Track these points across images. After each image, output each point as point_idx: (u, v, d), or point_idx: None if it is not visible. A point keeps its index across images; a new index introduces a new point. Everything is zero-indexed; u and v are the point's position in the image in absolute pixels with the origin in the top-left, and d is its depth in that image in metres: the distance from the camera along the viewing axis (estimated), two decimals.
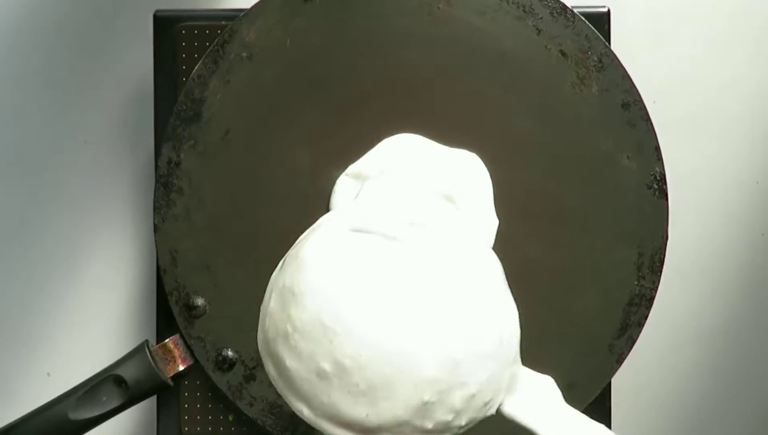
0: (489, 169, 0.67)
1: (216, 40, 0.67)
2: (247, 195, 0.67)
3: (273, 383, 0.54)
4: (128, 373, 0.65)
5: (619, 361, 0.66)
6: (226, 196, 0.67)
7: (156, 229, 0.67)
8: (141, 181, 0.73)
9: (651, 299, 0.66)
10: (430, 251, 0.52)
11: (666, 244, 0.66)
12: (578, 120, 0.67)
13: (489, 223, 0.65)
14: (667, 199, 0.66)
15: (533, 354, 0.66)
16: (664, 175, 0.66)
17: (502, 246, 0.67)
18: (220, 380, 0.67)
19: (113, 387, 0.65)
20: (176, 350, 0.67)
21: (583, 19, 0.67)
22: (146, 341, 0.67)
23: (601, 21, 0.68)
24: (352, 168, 0.66)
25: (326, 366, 0.50)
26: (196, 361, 0.67)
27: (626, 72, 0.67)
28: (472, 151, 0.67)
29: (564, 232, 0.67)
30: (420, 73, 0.67)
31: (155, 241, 0.67)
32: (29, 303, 0.74)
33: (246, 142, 0.67)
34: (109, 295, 0.74)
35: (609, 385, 0.67)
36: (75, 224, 0.74)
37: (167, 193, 0.67)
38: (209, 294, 0.67)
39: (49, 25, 0.74)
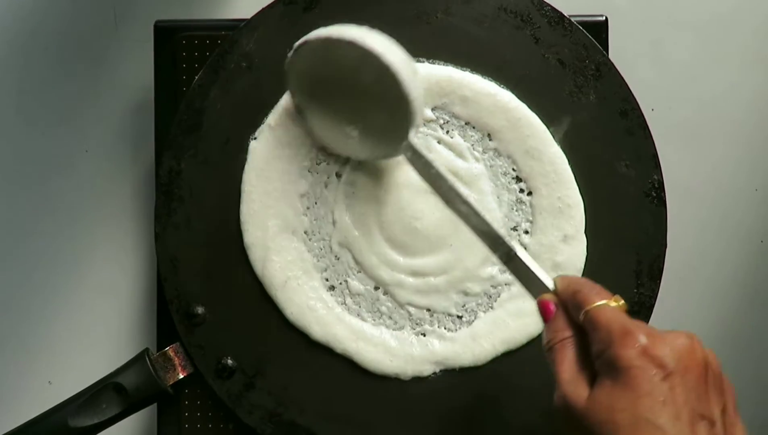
0: None
1: (216, 50, 0.67)
2: None
3: None
4: (128, 380, 0.65)
5: None
6: (226, 205, 0.67)
7: (157, 237, 0.67)
8: (142, 189, 0.73)
9: (650, 307, 0.66)
10: None
11: (665, 251, 0.66)
12: (576, 128, 0.67)
13: None
14: (665, 207, 0.67)
15: (533, 362, 0.66)
16: (663, 182, 0.67)
17: None
18: (220, 388, 0.67)
19: (113, 395, 0.65)
20: (176, 358, 0.67)
21: (581, 28, 0.67)
22: (146, 349, 0.67)
23: (599, 30, 0.69)
24: None
25: None
26: (196, 369, 0.67)
27: (624, 80, 0.67)
28: None
29: None
30: None
31: (156, 249, 0.67)
32: (30, 311, 0.74)
33: (245, 151, 0.67)
34: (109, 303, 0.74)
35: None
36: (76, 233, 0.74)
37: (168, 202, 0.67)
38: (209, 302, 0.67)
39: (50, 36, 0.74)
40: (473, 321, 0.67)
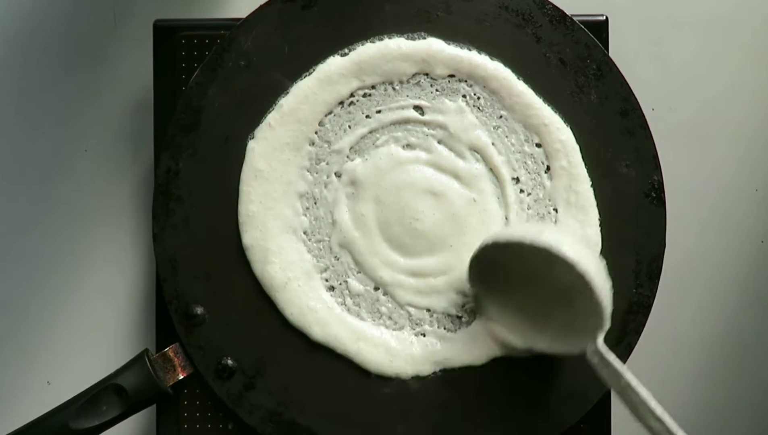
0: None
1: (214, 49, 0.67)
2: None
3: None
4: (128, 382, 0.65)
5: None
6: (225, 205, 0.67)
7: (155, 237, 0.67)
8: (141, 189, 0.73)
9: (648, 307, 0.66)
10: None
11: (664, 251, 0.66)
12: (577, 128, 0.67)
13: None
14: (665, 207, 0.66)
15: (533, 361, 0.66)
16: (662, 182, 0.66)
17: None
18: (220, 389, 0.67)
19: (113, 396, 0.65)
20: (176, 359, 0.67)
21: (582, 27, 0.67)
22: (146, 350, 0.67)
23: (599, 29, 0.68)
24: None
25: None
26: (195, 369, 0.67)
27: (625, 80, 0.67)
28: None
29: None
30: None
31: (154, 249, 0.67)
32: (29, 312, 0.74)
33: (244, 150, 0.67)
34: (109, 304, 0.74)
35: (608, 392, 0.67)
36: (75, 233, 0.74)
37: (166, 202, 0.67)
38: (209, 302, 0.67)
39: (50, 35, 0.74)
40: (472, 321, 0.67)
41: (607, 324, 0.59)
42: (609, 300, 0.59)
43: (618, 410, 0.69)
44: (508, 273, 0.63)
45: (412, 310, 0.67)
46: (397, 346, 0.66)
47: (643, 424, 0.57)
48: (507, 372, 0.66)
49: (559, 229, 0.65)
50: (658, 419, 0.56)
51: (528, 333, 0.64)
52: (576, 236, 0.64)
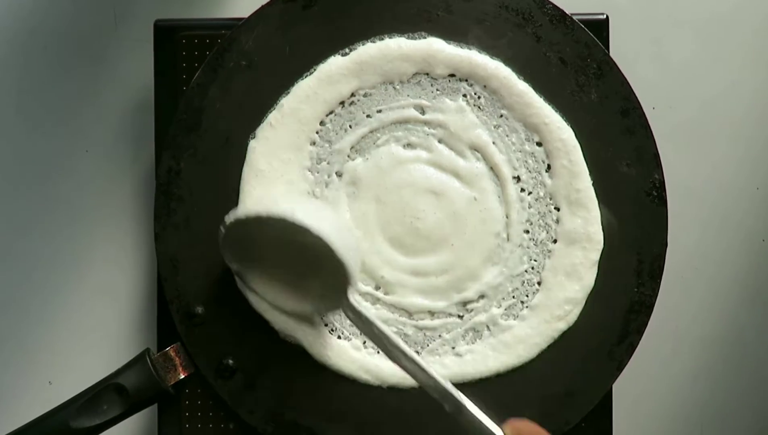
0: None
1: (215, 49, 0.67)
2: None
3: None
4: (129, 381, 0.65)
5: (619, 368, 0.66)
6: (226, 205, 0.67)
7: (156, 237, 0.67)
8: (142, 189, 0.73)
9: (650, 306, 0.66)
10: None
11: (665, 251, 0.66)
12: (578, 127, 0.67)
13: None
14: (666, 206, 0.66)
15: (532, 362, 0.66)
16: (663, 182, 0.66)
17: None
18: (221, 388, 0.67)
19: (114, 395, 0.65)
20: (177, 358, 0.67)
21: (582, 26, 0.67)
22: (147, 349, 0.67)
23: (600, 28, 0.68)
24: None
25: None
26: (196, 369, 0.67)
27: (625, 79, 0.67)
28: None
29: None
30: None
31: (156, 249, 0.67)
32: (30, 311, 0.74)
33: (245, 150, 0.67)
34: (110, 304, 0.74)
35: (610, 391, 0.67)
36: (75, 233, 0.74)
37: (167, 202, 0.67)
38: (210, 302, 0.67)
39: (50, 35, 0.74)
40: (474, 320, 0.67)
41: (354, 279, 0.61)
42: (351, 257, 0.61)
43: (619, 410, 0.69)
44: (261, 246, 0.63)
45: (410, 330, 0.67)
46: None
47: (398, 365, 0.60)
48: (507, 373, 0.66)
49: (298, 197, 0.66)
50: (410, 359, 0.60)
51: (292, 300, 0.65)
52: (317, 203, 0.65)
